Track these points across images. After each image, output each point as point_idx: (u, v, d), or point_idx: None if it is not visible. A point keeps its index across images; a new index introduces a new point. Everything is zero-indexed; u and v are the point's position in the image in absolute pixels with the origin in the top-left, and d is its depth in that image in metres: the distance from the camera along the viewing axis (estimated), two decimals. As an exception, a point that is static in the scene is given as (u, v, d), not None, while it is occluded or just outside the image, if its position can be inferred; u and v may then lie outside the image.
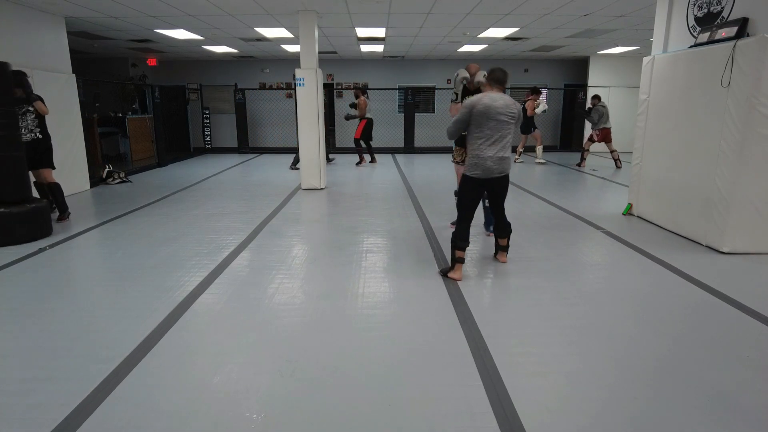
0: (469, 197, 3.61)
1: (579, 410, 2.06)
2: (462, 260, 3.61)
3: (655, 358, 2.49)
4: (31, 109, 5.10)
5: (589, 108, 9.76)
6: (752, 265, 3.96)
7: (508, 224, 3.91)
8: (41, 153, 5.28)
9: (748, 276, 3.73)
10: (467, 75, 4.32)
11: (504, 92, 3.58)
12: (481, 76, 4.17)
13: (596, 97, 9.61)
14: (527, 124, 10.02)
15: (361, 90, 10.15)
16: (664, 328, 2.84)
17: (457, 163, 4.57)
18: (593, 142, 9.72)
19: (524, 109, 9.68)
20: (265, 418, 2.01)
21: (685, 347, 2.61)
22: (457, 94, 4.39)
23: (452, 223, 4.92)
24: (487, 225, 4.83)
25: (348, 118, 10.29)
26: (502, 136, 3.48)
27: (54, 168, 5.51)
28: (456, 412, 2.04)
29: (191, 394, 2.18)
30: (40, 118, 5.20)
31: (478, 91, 4.21)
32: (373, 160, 10.56)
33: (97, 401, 2.11)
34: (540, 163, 10.47)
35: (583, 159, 10.01)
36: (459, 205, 3.71)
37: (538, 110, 9.87)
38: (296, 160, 10.16)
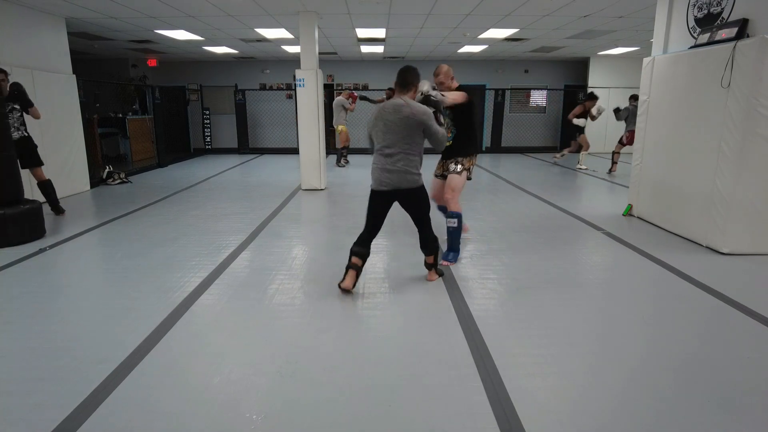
0: (370, 207, 3.38)
1: (579, 411, 2.06)
2: (353, 267, 3.30)
3: (655, 359, 2.49)
4: (17, 106, 5.05)
5: (618, 108, 9.33)
6: (752, 265, 3.96)
7: (431, 239, 3.46)
8: (30, 151, 5.27)
9: (748, 277, 3.73)
10: (425, 90, 3.88)
11: (410, 94, 3.26)
12: (425, 86, 3.64)
13: (633, 97, 8.88)
14: (574, 128, 9.61)
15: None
16: (664, 329, 2.84)
17: (435, 176, 4.30)
18: (623, 145, 9.08)
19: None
20: (265, 418, 2.01)
21: (685, 348, 2.61)
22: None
23: (445, 259, 4.53)
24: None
25: (363, 98, 9.90)
26: (393, 146, 3.17)
27: (43, 164, 5.51)
28: (456, 413, 2.04)
29: (191, 394, 2.18)
30: (25, 117, 5.14)
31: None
32: None
33: (97, 402, 2.11)
34: (580, 169, 9.69)
35: (614, 163, 9.28)
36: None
37: (594, 112, 9.20)
38: (340, 156, 10.36)
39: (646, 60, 5.35)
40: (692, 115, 4.59)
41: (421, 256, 4.15)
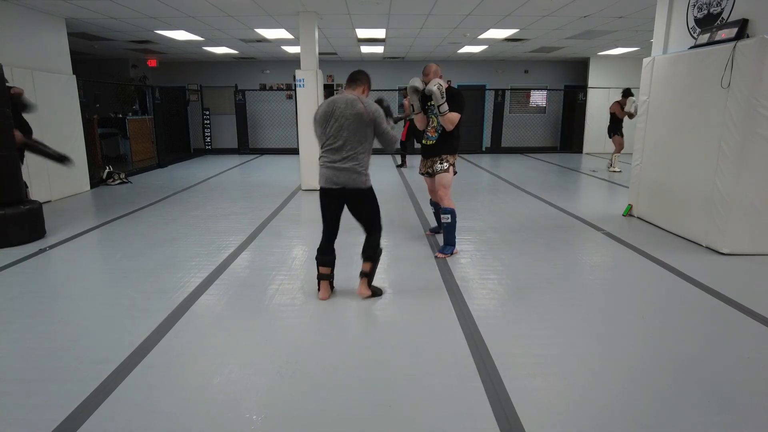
0: (322, 210, 3.18)
1: (579, 411, 2.06)
2: (324, 277, 3.21)
3: (655, 359, 2.49)
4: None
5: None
6: (752, 265, 3.96)
7: (373, 247, 3.21)
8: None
9: (748, 277, 3.73)
10: (418, 85, 3.94)
11: (359, 90, 3.13)
12: (433, 85, 3.81)
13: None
14: (612, 128, 9.36)
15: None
16: (665, 329, 2.84)
17: (421, 174, 4.39)
18: None
19: (612, 113, 9.00)
20: (265, 418, 2.01)
21: (685, 348, 2.61)
22: (413, 105, 4.12)
23: (431, 230, 4.91)
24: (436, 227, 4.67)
25: (397, 120, 9.70)
26: (344, 143, 2.99)
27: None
28: (456, 413, 2.04)
29: (191, 395, 2.18)
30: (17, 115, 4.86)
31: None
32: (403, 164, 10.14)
33: (97, 402, 2.11)
34: (614, 171, 9.28)
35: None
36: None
37: (629, 109, 8.85)
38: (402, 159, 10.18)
39: (646, 60, 5.35)
40: (692, 116, 4.59)
41: (420, 258, 4.15)
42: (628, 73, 12.47)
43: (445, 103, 3.87)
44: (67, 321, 2.96)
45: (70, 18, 7.27)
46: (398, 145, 3.34)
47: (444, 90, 3.86)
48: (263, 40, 9.60)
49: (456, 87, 4.10)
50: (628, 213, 5.68)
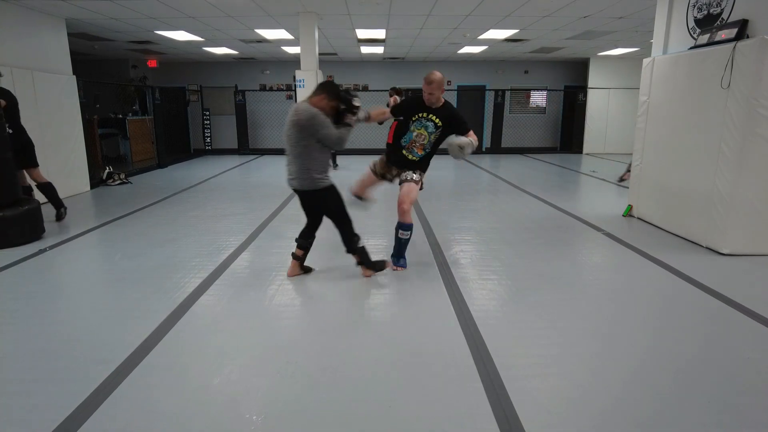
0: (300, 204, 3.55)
1: (579, 412, 2.06)
2: (296, 257, 3.62)
3: (655, 360, 2.49)
4: None
5: None
6: (752, 266, 3.96)
7: (349, 238, 3.48)
8: (18, 151, 4.92)
9: (748, 277, 3.73)
10: (462, 146, 3.55)
11: (316, 99, 3.28)
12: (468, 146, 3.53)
13: None
14: None
15: (396, 91, 8.70)
16: (665, 330, 2.84)
17: (371, 170, 4.04)
18: None
19: None
20: (265, 419, 2.01)
21: (685, 349, 2.61)
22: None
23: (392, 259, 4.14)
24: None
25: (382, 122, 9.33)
26: (291, 148, 3.25)
27: (35, 166, 5.22)
28: (456, 414, 2.04)
29: (191, 395, 2.18)
30: (8, 112, 4.79)
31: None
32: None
33: (97, 403, 2.10)
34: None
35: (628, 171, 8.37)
36: None
37: None
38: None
39: (646, 61, 5.35)
40: (692, 116, 4.59)
41: (420, 258, 4.16)
42: (628, 73, 12.47)
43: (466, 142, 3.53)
44: (67, 321, 2.96)
45: (70, 18, 7.28)
46: (344, 145, 3.35)
47: (471, 140, 3.53)
48: (263, 40, 9.61)
49: (449, 102, 3.78)
50: (628, 213, 5.68)
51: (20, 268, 3.93)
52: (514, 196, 7.06)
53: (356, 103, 3.41)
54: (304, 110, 3.18)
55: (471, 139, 3.57)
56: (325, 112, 3.26)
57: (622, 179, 8.06)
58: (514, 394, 2.16)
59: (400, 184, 3.83)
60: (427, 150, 3.74)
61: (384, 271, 3.70)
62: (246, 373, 2.37)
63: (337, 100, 3.34)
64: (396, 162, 3.86)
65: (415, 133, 3.70)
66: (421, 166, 3.83)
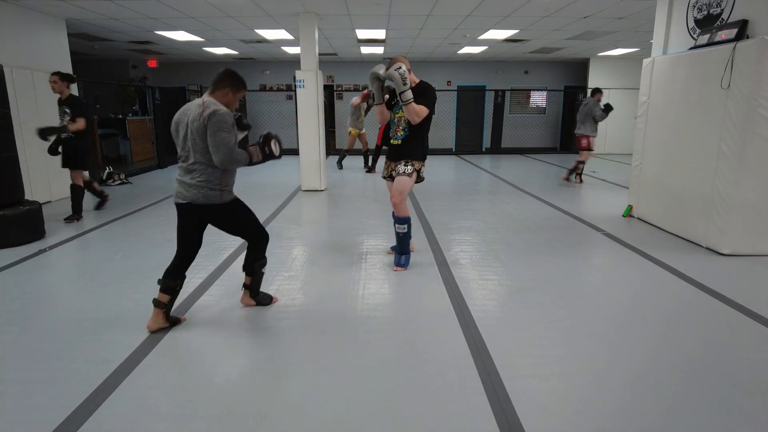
0: (178, 227, 2.90)
1: (579, 413, 2.06)
2: (159, 304, 2.75)
3: (655, 360, 2.49)
4: (67, 110, 5.18)
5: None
6: (753, 266, 3.96)
7: (251, 260, 3.01)
8: (69, 153, 5.33)
9: (748, 278, 3.73)
10: (377, 70, 3.54)
11: (219, 95, 2.66)
12: (381, 69, 3.46)
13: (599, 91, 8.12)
14: None
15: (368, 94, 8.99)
16: (665, 331, 2.84)
17: (384, 178, 3.97)
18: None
19: None
20: (264, 419, 2.01)
21: (685, 349, 2.61)
22: (373, 95, 3.74)
23: (392, 248, 4.18)
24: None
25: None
26: (187, 154, 2.70)
27: (78, 169, 5.48)
28: (456, 414, 2.04)
29: (191, 395, 2.18)
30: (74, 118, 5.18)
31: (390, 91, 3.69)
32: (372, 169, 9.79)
33: (97, 403, 2.10)
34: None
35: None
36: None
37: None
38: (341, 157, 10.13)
39: (646, 61, 5.35)
40: (692, 116, 4.59)
41: (420, 258, 4.15)
42: (628, 73, 12.48)
43: (409, 91, 3.46)
44: (67, 322, 2.96)
45: (71, 18, 7.28)
46: (234, 164, 2.69)
47: (405, 75, 3.43)
48: (263, 40, 9.61)
49: (427, 82, 3.76)
50: (628, 213, 5.68)
51: (20, 268, 3.93)
52: (514, 196, 7.06)
53: (273, 148, 2.92)
54: (211, 108, 2.55)
55: (394, 71, 3.40)
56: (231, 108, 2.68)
57: (569, 177, 8.10)
58: (514, 394, 2.16)
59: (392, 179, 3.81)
60: (406, 131, 3.70)
61: (268, 305, 3.15)
62: (246, 374, 2.37)
63: (243, 90, 2.75)
64: (389, 155, 3.87)
65: (395, 118, 3.77)
66: (409, 152, 3.72)
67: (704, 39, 4.48)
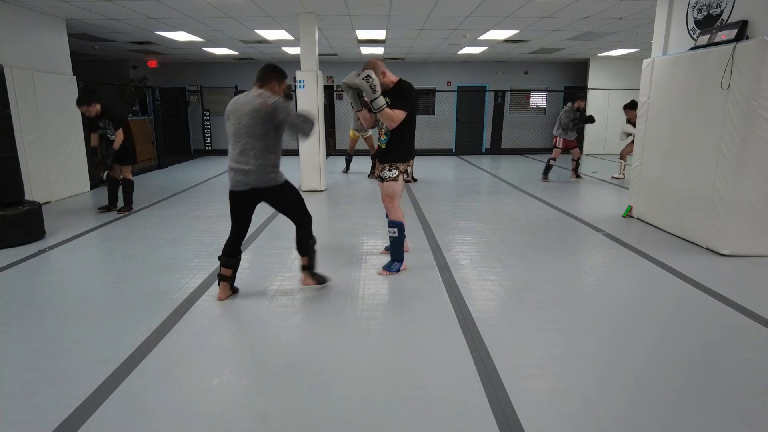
0: (231, 210, 3.16)
1: (579, 413, 2.06)
2: (224, 278, 3.19)
3: (655, 361, 2.49)
4: (109, 124, 5.69)
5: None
6: (753, 267, 3.96)
7: (305, 240, 3.26)
8: (120, 151, 5.72)
9: (748, 278, 3.73)
10: (347, 80, 3.47)
11: (268, 88, 3.06)
12: (358, 77, 3.38)
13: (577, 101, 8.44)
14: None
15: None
16: (665, 331, 2.84)
17: (375, 177, 3.97)
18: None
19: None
20: (264, 420, 2.01)
21: (685, 349, 2.61)
22: (351, 103, 3.70)
23: (386, 248, 4.25)
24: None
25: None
26: (241, 142, 2.96)
27: (128, 164, 5.98)
28: (456, 414, 2.04)
29: (191, 396, 2.18)
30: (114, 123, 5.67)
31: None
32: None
33: (97, 403, 2.10)
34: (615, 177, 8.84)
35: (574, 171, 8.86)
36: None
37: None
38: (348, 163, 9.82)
39: (645, 61, 5.35)
40: (692, 117, 4.59)
41: (420, 259, 4.15)
42: (628, 74, 12.48)
43: (380, 98, 3.36)
44: (67, 322, 2.96)
45: (71, 19, 7.28)
46: (309, 129, 3.11)
47: (374, 82, 3.33)
48: (263, 41, 9.61)
49: (406, 81, 3.66)
50: (628, 214, 5.68)
51: (20, 268, 3.93)
52: (514, 196, 7.06)
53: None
54: (268, 96, 2.96)
55: (359, 80, 3.34)
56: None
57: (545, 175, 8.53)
58: (514, 394, 2.16)
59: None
60: (388, 135, 3.63)
61: (325, 285, 3.45)
62: (245, 374, 2.37)
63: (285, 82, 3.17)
64: (378, 157, 3.83)
65: (380, 122, 3.67)
66: (392, 155, 3.66)
67: (704, 39, 4.48)
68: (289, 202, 3.20)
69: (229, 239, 3.19)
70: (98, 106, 5.51)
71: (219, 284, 3.25)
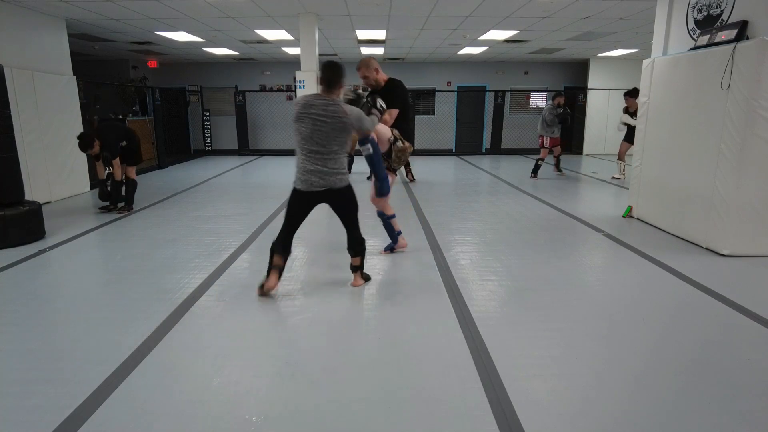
0: (290, 208, 3.31)
1: (579, 413, 2.06)
2: (276, 267, 3.29)
3: (656, 361, 2.49)
4: (106, 155, 5.81)
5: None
6: (753, 267, 3.96)
7: (357, 241, 3.42)
8: (127, 154, 5.90)
9: (748, 278, 3.73)
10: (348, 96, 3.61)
11: (333, 92, 3.13)
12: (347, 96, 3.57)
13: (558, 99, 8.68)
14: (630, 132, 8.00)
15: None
16: (665, 331, 2.84)
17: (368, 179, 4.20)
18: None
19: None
20: (264, 420, 2.01)
21: (685, 350, 2.61)
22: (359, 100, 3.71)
23: (386, 249, 4.32)
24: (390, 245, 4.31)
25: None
26: (320, 146, 3.07)
27: (133, 165, 6.04)
28: (455, 414, 2.04)
29: (191, 396, 2.18)
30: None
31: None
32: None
33: (97, 403, 2.10)
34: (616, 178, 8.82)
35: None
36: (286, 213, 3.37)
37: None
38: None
39: (645, 62, 5.36)
40: (692, 117, 4.59)
41: (420, 258, 4.16)
42: (628, 74, 12.48)
43: (375, 114, 3.59)
44: (67, 322, 2.96)
45: (71, 19, 7.28)
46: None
47: (357, 94, 3.57)
48: (263, 41, 9.61)
49: (396, 79, 3.92)
50: (628, 214, 5.68)
51: (20, 268, 3.93)
52: (514, 196, 7.06)
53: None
54: (347, 107, 3.12)
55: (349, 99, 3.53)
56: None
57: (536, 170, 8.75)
58: (514, 394, 2.16)
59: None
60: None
61: (369, 281, 3.62)
62: (246, 374, 2.36)
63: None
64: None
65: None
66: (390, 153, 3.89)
67: (704, 40, 4.48)
68: (352, 203, 3.34)
69: (282, 234, 3.33)
70: (98, 142, 5.63)
71: (268, 275, 3.29)
